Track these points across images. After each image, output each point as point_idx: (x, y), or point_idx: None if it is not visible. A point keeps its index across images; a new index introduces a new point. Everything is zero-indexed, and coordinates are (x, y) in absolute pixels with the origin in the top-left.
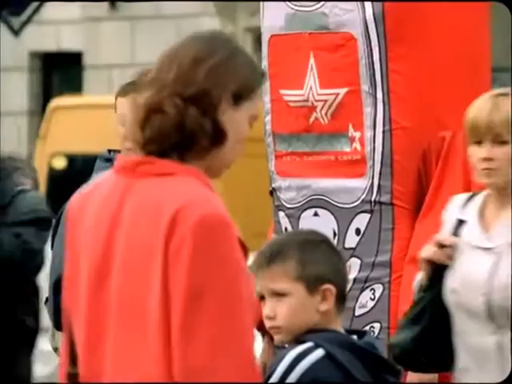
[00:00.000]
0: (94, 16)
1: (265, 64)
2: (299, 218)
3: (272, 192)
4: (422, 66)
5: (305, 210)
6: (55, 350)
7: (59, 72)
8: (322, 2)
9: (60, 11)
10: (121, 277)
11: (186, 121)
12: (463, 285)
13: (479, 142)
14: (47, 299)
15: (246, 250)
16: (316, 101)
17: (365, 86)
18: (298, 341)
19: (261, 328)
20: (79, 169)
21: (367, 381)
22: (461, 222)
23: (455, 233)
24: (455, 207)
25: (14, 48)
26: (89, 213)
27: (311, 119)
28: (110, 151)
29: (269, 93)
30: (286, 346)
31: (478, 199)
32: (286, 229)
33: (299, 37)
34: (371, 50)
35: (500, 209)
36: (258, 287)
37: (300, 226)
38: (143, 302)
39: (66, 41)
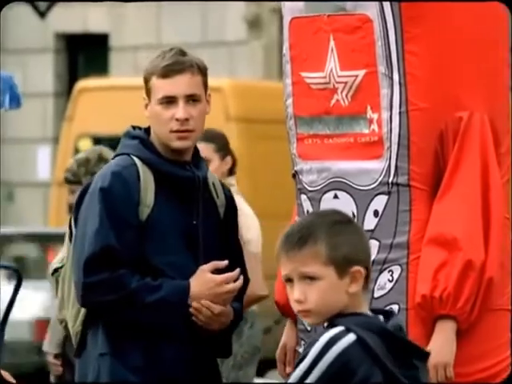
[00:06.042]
0: None
1: (286, 46)
2: (320, 200)
3: (294, 175)
4: (438, 47)
5: (325, 192)
6: (61, 321)
7: (85, 53)
8: None
9: None
10: None
11: None
12: None
13: None
14: (55, 270)
15: None
16: (337, 83)
17: (381, 68)
18: (329, 324)
19: (285, 312)
20: None
21: (392, 365)
22: None
23: None
24: None
25: (40, 30)
26: None
27: (332, 101)
28: (134, 128)
29: (290, 75)
30: (309, 328)
31: None
32: (307, 212)
33: (318, 19)
34: (387, 31)
35: None
36: (287, 270)
37: (321, 209)
38: None
39: (92, 22)
